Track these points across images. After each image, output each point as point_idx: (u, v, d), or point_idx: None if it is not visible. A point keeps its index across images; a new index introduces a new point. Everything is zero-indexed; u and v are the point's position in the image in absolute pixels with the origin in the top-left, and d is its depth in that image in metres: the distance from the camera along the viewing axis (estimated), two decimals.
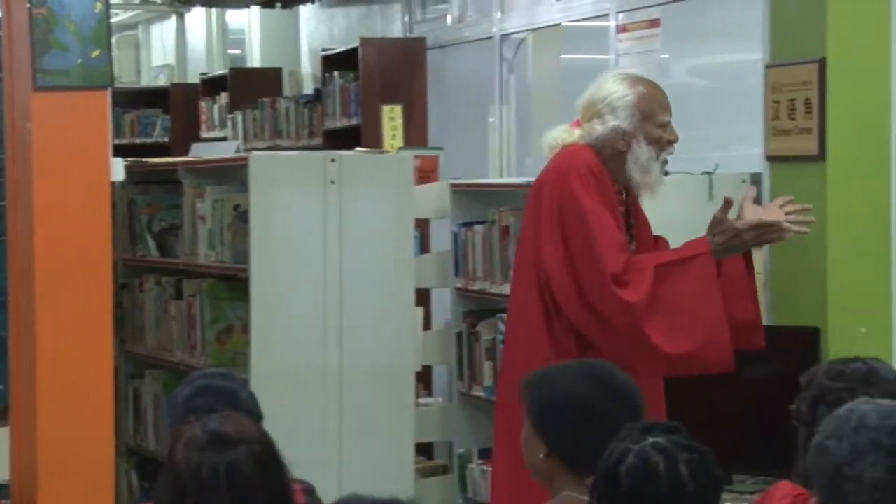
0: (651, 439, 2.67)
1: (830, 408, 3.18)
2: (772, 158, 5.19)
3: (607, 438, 2.88)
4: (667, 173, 4.57)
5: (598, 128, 4.42)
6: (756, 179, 5.35)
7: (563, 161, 4.46)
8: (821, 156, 4.94)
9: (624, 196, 4.52)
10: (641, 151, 4.40)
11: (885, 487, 2.33)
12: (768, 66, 5.22)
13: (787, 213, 4.37)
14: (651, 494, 2.61)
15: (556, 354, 4.31)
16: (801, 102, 5.03)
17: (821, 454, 2.41)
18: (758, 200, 4.55)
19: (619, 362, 4.22)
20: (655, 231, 4.91)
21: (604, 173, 4.41)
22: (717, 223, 4.33)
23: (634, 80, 4.47)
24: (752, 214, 4.35)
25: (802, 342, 4.83)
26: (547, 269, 4.42)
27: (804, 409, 3.34)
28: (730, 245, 4.31)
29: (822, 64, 4.94)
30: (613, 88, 4.44)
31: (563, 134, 4.51)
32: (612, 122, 4.40)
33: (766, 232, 4.33)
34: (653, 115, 4.41)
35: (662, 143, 4.42)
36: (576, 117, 4.56)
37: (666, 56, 6.92)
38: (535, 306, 4.46)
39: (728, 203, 4.34)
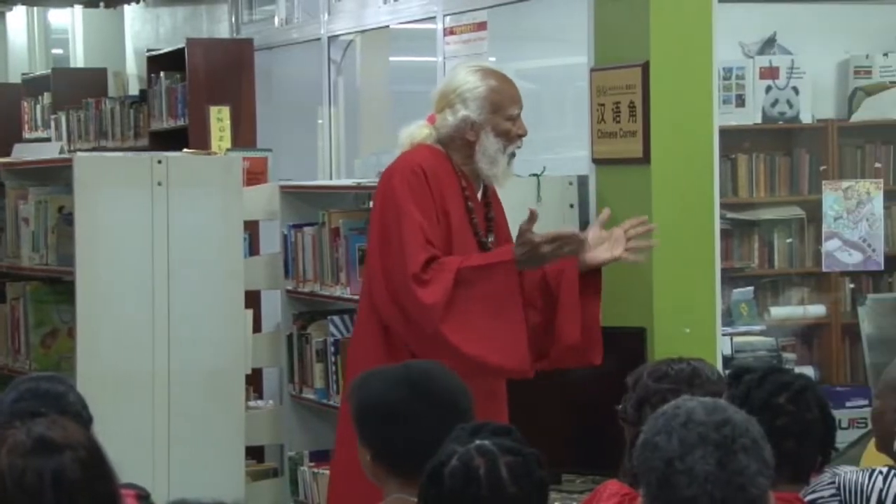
0: (478, 441, 2.68)
1: (654, 409, 3.22)
2: (598, 161, 5.27)
3: (423, 441, 2.93)
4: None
5: (450, 118, 4.46)
6: (583, 182, 5.43)
7: (393, 163, 4.48)
8: (645, 158, 5.02)
9: (481, 190, 4.54)
10: (489, 143, 4.44)
11: (715, 480, 2.38)
12: (593, 70, 5.29)
13: (629, 238, 4.42)
14: (471, 497, 2.63)
15: (388, 356, 4.33)
16: (625, 105, 5.11)
17: (649, 450, 2.44)
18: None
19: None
20: None
21: (444, 170, 4.44)
22: (520, 234, 4.36)
23: (487, 72, 4.51)
24: (595, 240, 4.39)
25: (629, 342, 4.90)
26: (367, 268, 4.45)
27: (630, 410, 3.39)
28: (530, 256, 4.34)
29: (645, 67, 5.02)
30: (465, 80, 4.47)
31: (415, 129, 4.53)
32: (462, 113, 4.43)
33: (563, 244, 4.35)
34: (502, 107, 4.45)
35: (511, 136, 4.46)
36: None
37: (493, 59, 6.97)
38: (367, 307, 4.48)
39: (532, 215, 4.36)
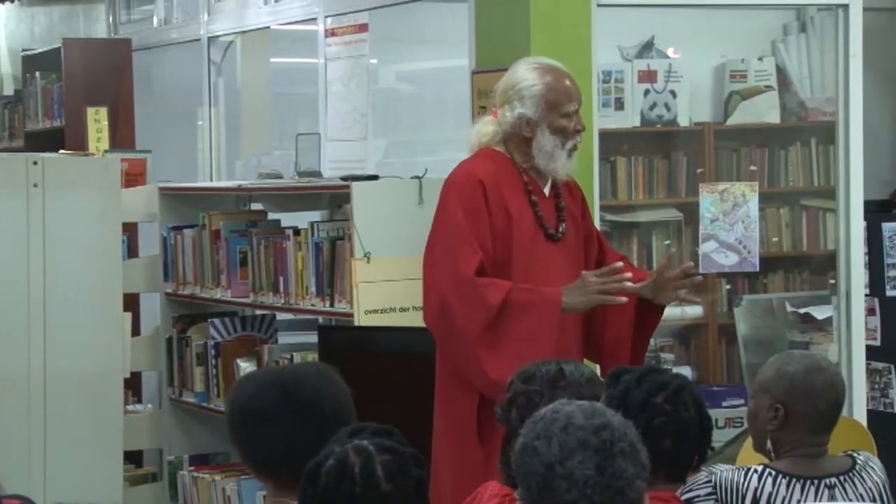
0: (356, 441, 2.69)
1: (521, 410, 3.25)
2: None
3: (283, 445, 2.98)
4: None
5: (508, 115, 4.50)
6: None
7: (452, 173, 4.52)
8: None
9: (549, 183, 4.55)
10: (545, 140, 4.47)
11: (595, 484, 2.40)
12: (474, 72, 5.31)
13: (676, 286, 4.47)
14: (345, 494, 2.64)
15: None
16: None
17: (529, 455, 2.45)
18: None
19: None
20: (367, 232, 4.99)
21: (504, 171, 4.47)
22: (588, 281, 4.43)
23: (545, 69, 4.53)
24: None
25: None
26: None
27: (500, 411, 3.40)
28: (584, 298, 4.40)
29: None
30: (524, 77, 4.50)
31: (482, 127, 4.57)
32: (518, 110, 4.47)
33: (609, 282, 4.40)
34: (559, 105, 4.48)
35: (568, 132, 4.49)
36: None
37: (374, 61, 6.97)
38: None
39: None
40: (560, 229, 4.52)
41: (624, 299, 4.37)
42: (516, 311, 4.31)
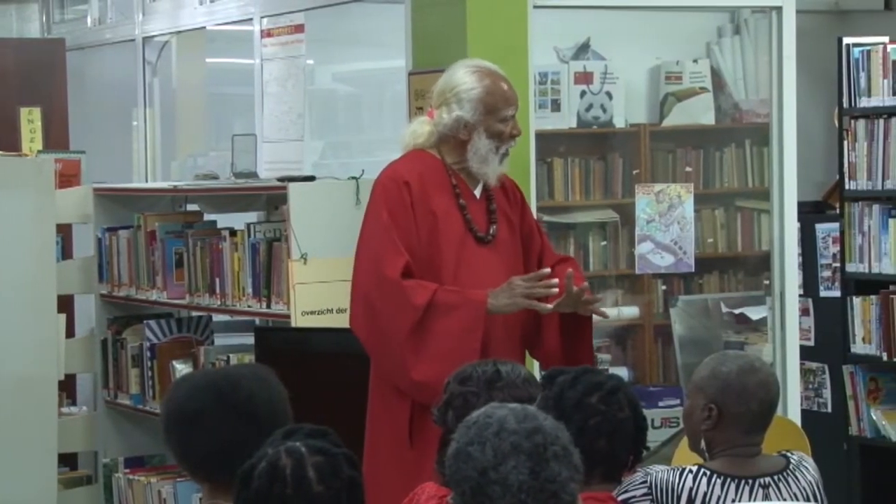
0: (289, 443, 2.69)
1: (457, 411, 3.26)
2: None
3: (217, 448, 2.99)
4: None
5: (445, 117, 4.49)
6: None
7: (381, 174, 4.51)
8: None
9: (480, 186, 4.54)
10: (481, 143, 4.46)
11: (529, 489, 2.40)
12: (411, 73, 5.31)
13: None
14: (277, 496, 2.64)
15: None
16: None
17: (463, 460, 2.45)
18: None
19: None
20: (303, 233, 4.99)
21: (432, 173, 4.45)
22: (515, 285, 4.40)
23: (484, 72, 4.52)
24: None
25: None
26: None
27: (437, 413, 3.41)
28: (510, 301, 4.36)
29: None
30: (462, 80, 4.50)
31: (417, 127, 4.56)
32: (456, 113, 4.46)
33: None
34: (496, 110, 4.47)
35: (504, 137, 4.49)
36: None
37: (311, 62, 6.96)
38: None
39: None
40: (490, 231, 4.53)
41: (549, 306, 4.37)
42: (441, 311, 4.29)
